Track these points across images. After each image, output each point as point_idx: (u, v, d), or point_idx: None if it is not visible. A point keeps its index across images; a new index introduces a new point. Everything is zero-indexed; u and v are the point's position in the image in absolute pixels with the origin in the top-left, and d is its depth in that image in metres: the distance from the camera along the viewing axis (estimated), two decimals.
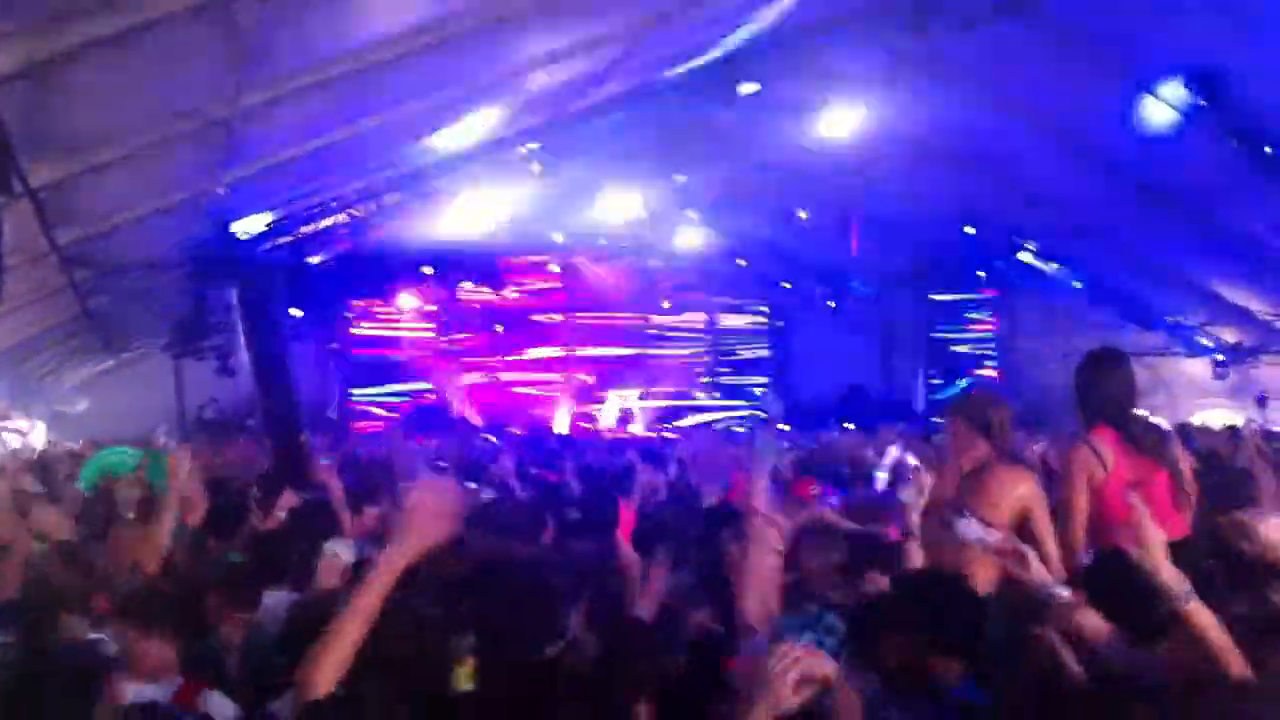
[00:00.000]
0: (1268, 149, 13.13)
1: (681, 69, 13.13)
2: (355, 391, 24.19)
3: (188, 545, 5.79)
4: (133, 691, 3.71)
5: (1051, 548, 5.05)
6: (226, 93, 7.70)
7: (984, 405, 5.39)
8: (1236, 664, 3.12)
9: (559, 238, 22.47)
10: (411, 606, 3.21)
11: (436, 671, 3.09)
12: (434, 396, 24.75)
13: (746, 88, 13.40)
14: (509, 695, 3.13)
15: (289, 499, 6.32)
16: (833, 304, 26.04)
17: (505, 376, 25.80)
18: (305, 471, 7.41)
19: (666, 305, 27.34)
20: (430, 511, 2.94)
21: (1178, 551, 5.19)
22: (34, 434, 17.27)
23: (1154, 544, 3.44)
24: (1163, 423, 6.54)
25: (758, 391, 27.76)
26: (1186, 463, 5.68)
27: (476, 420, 23.73)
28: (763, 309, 28.43)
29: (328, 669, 2.73)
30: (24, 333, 13.15)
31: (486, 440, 18.85)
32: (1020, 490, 5.14)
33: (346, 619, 2.78)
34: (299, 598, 4.85)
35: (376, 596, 2.80)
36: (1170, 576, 3.38)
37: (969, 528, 4.75)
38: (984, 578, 4.93)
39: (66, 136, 7.56)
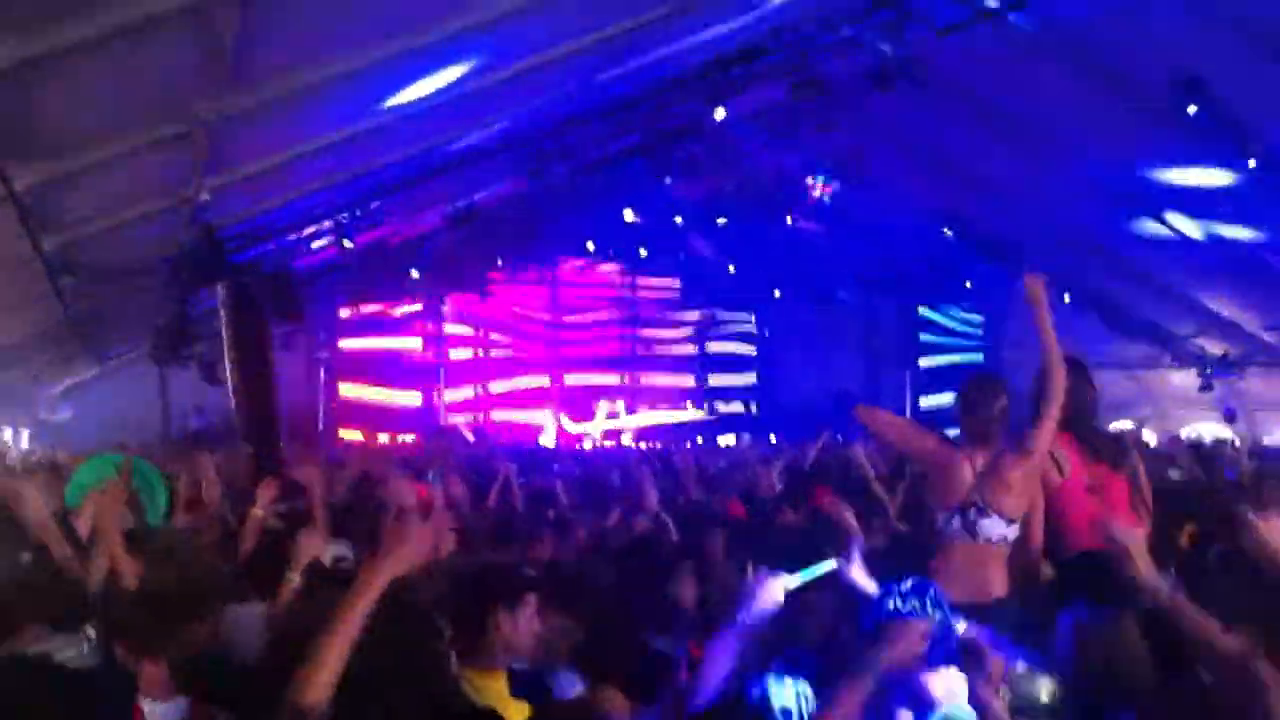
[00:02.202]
0: (1251, 162, 13.23)
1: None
2: (341, 391, 24.06)
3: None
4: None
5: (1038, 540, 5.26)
6: (209, 96, 7.67)
7: (996, 393, 5.36)
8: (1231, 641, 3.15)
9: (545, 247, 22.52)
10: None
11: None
12: (421, 403, 24.74)
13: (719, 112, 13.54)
14: None
15: (268, 489, 6.23)
16: (818, 310, 26.17)
17: (495, 387, 25.78)
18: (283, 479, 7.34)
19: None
20: (410, 538, 2.96)
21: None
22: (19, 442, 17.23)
23: (1133, 543, 3.44)
24: (1153, 438, 6.57)
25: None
26: (1143, 472, 5.71)
27: (467, 433, 23.68)
28: (749, 316, 28.45)
29: (318, 689, 2.71)
30: (7, 339, 13.08)
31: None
32: (1029, 485, 5.14)
33: (332, 640, 2.76)
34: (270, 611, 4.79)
35: (359, 616, 2.81)
36: (1151, 573, 3.40)
37: (992, 525, 4.94)
38: (998, 576, 5.00)
39: (49, 140, 7.52)
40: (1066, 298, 18.60)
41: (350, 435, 23.03)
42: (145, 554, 5.33)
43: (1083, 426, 5.49)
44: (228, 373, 14.18)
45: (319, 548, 4.84)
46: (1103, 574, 4.92)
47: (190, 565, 4.97)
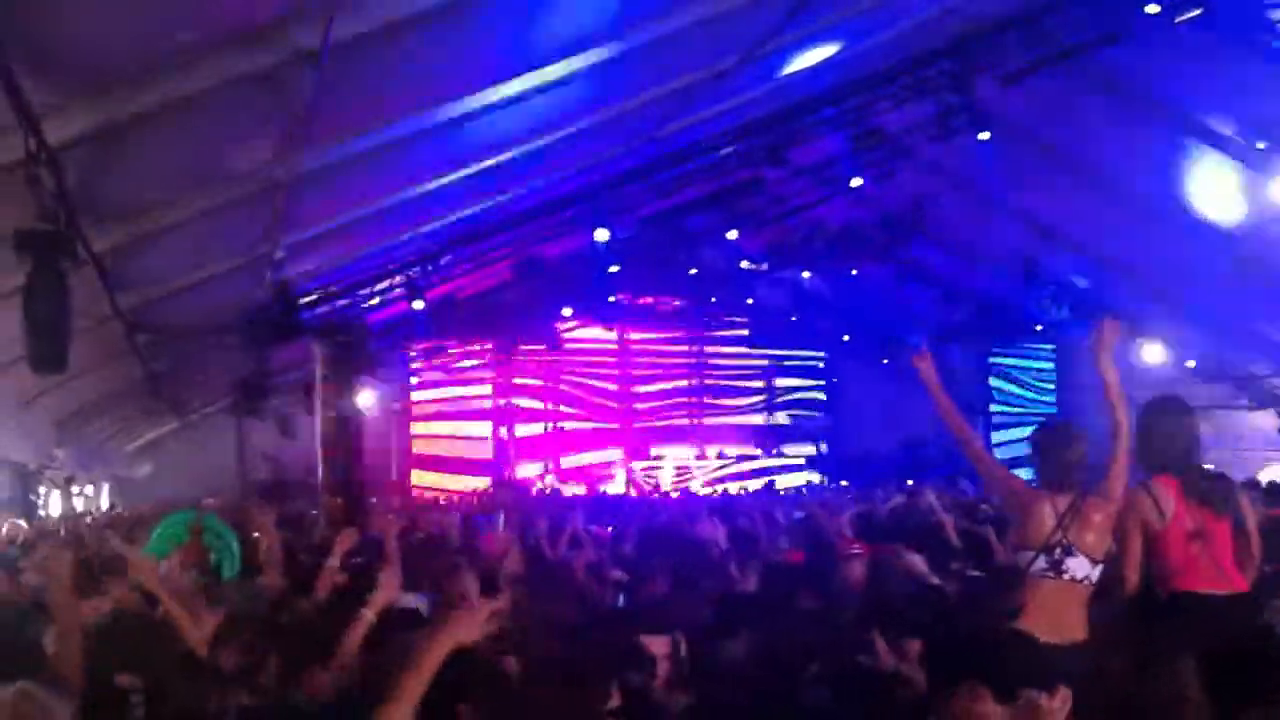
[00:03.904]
0: None
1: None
2: (414, 446, 24.32)
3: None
4: None
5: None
6: (283, 157, 7.86)
7: (1065, 439, 5.35)
8: None
9: (612, 298, 22.62)
10: None
11: None
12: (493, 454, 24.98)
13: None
14: None
15: (347, 539, 6.36)
16: (886, 360, 25.98)
17: (565, 432, 25.95)
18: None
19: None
20: (469, 620, 3.20)
21: (1236, 604, 5.17)
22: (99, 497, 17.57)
23: None
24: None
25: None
26: (1253, 518, 5.59)
27: (538, 482, 23.85)
28: (818, 363, 28.40)
29: None
30: (88, 396, 13.38)
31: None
32: (1111, 525, 5.14)
33: (397, 701, 2.95)
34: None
35: (422, 683, 3.00)
36: None
37: (1079, 565, 4.94)
38: (1080, 616, 4.98)
39: (127, 202, 7.75)
40: (1139, 342, 18.34)
41: (424, 480, 23.36)
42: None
43: (1186, 469, 5.41)
44: (318, 425, 14.45)
45: (396, 591, 4.95)
46: (1196, 619, 4.93)
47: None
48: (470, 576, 6.22)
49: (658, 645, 4.25)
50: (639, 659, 4.07)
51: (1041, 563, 5.03)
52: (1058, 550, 5.01)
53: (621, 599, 6.94)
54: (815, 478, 26.67)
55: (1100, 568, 5.03)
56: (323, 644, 4.73)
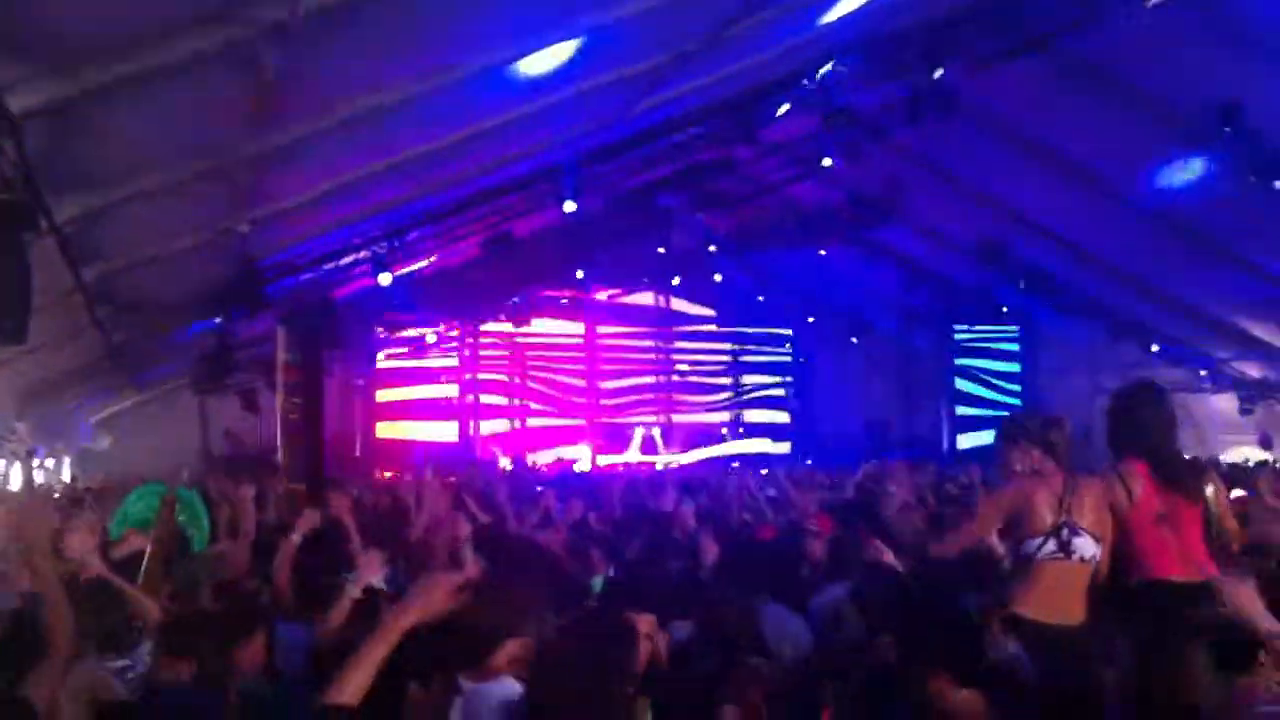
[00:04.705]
0: None
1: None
2: (379, 430, 24.21)
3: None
4: None
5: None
6: (249, 131, 7.78)
7: (1043, 425, 5.41)
8: None
9: (580, 273, 22.59)
10: None
11: None
12: (457, 434, 24.89)
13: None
14: None
15: (308, 519, 6.39)
16: (855, 339, 26.11)
17: (531, 421, 25.93)
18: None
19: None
20: (435, 590, 3.16)
21: (1202, 592, 5.20)
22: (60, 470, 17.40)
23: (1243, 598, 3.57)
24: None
25: None
26: (1225, 504, 5.62)
27: (503, 458, 23.78)
28: (784, 344, 28.49)
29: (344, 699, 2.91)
30: (49, 369, 13.23)
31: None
32: (1103, 504, 5.22)
33: (358, 668, 2.95)
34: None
35: (384, 650, 3.00)
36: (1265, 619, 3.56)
37: (1085, 544, 5.00)
38: (1084, 595, 5.05)
39: (91, 173, 7.64)
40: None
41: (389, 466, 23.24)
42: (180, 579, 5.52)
43: (1159, 453, 5.43)
44: (279, 400, 14.34)
45: (376, 570, 5.01)
46: (1166, 604, 4.97)
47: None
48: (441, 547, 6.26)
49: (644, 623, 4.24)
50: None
51: (1051, 546, 5.07)
52: (1064, 531, 5.07)
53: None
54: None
55: (1102, 545, 5.10)
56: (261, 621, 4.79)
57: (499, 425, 25.64)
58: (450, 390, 25.25)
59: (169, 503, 6.58)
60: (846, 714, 4.26)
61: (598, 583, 6.70)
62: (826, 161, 14.97)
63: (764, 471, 14.94)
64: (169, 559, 6.27)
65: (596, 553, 7.20)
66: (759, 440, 27.65)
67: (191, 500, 7.48)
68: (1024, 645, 4.71)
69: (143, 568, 5.82)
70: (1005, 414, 24.59)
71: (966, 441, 24.92)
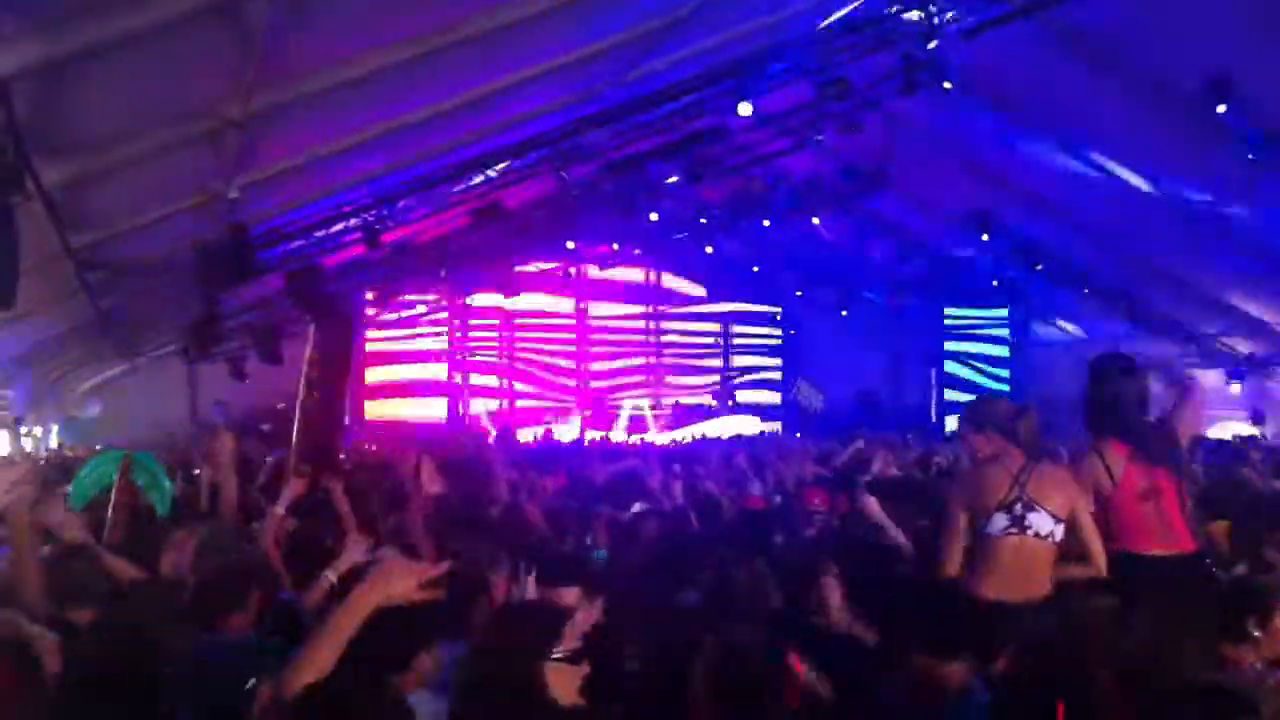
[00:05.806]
0: None
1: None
2: (369, 408, 24.21)
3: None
4: None
5: (1099, 545, 5.12)
6: (239, 94, 7.70)
7: (1010, 413, 5.37)
8: None
9: (570, 244, 22.50)
10: None
11: None
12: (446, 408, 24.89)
13: (745, 107, 13.37)
14: None
15: (296, 487, 6.38)
16: (845, 312, 26.09)
17: (519, 386, 25.92)
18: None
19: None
20: (398, 570, 3.13)
21: (1185, 564, 5.22)
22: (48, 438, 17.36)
23: None
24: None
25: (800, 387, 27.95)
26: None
27: (490, 430, 23.76)
28: (775, 315, 28.50)
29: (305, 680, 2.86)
30: (38, 336, 13.17)
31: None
32: (1070, 489, 5.15)
33: (324, 641, 2.93)
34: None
35: (349, 627, 2.96)
36: None
37: (1042, 521, 4.95)
38: (1046, 574, 5.00)
39: (79, 137, 7.56)
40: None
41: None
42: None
43: (1135, 429, 5.43)
44: (301, 393, 14.24)
45: (362, 553, 4.92)
46: (1151, 576, 4.98)
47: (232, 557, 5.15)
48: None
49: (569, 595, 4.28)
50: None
51: (1003, 520, 5.03)
52: (1018, 506, 5.02)
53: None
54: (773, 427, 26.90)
55: (1062, 526, 5.05)
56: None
57: (489, 404, 25.62)
58: (439, 370, 25.21)
59: (124, 468, 6.60)
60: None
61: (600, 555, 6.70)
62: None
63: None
64: (131, 520, 6.32)
65: (598, 524, 7.20)
66: (749, 418, 27.64)
67: (152, 465, 7.45)
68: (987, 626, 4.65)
69: (105, 529, 5.88)
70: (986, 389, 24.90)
71: (954, 423, 24.82)
